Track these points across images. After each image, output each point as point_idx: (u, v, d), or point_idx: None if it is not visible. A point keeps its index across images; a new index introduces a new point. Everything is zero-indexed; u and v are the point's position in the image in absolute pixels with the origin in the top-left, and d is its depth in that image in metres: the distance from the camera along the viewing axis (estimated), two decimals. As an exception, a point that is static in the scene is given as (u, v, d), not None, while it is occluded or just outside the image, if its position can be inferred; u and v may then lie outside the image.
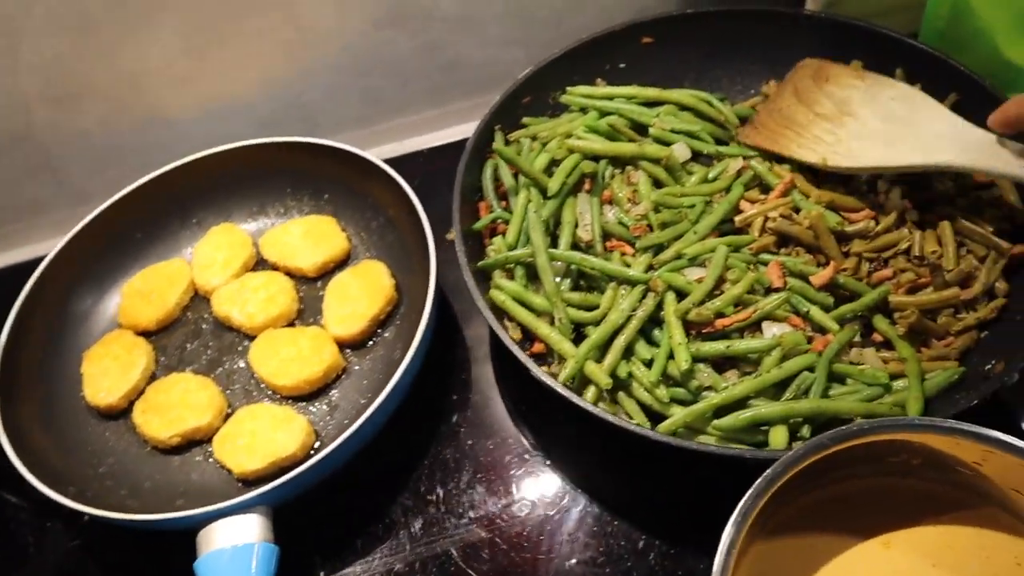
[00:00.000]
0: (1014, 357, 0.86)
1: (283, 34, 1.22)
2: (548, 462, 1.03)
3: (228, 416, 1.09)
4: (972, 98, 1.06)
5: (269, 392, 1.12)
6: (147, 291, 1.20)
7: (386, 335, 1.15)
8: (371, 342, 1.15)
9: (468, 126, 1.19)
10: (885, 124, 1.00)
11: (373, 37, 1.25)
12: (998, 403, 0.97)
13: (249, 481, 1.03)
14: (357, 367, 1.13)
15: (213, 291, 1.21)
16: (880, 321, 0.98)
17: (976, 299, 0.97)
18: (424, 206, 1.11)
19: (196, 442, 1.08)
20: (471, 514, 0.99)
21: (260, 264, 1.25)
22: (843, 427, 0.74)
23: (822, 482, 0.80)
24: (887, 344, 0.98)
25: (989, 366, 0.90)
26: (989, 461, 0.74)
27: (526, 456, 1.04)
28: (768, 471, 0.73)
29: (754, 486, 0.73)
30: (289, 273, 1.23)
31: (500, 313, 1.03)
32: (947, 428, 0.73)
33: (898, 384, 0.93)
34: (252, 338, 1.16)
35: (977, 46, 1.09)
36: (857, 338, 0.98)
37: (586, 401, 0.93)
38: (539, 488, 1.01)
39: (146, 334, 1.19)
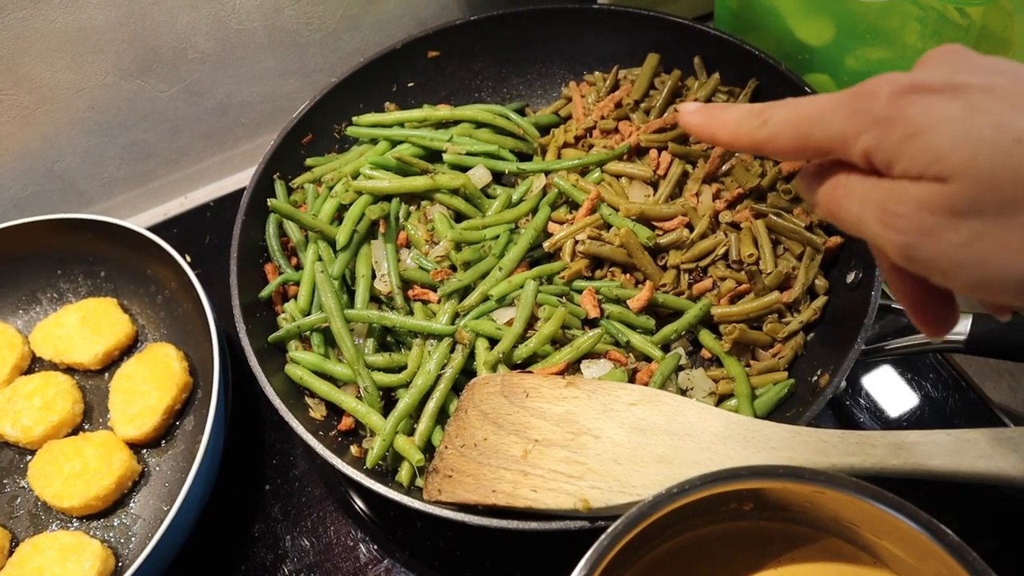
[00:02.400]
0: (837, 365, 0.81)
1: (13, 99, 1.05)
2: (375, 547, 0.93)
3: (13, 552, 0.94)
4: (770, 83, 1.01)
5: (60, 515, 0.98)
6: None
7: (185, 426, 1.02)
8: (169, 437, 1.02)
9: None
10: (644, 437, 0.74)
11: (123, 89, 1.10)
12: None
13: (43, 629, 0.89)
14: (157, 468, 1.00)
15: (-20, 404, 1.05)
16: (706, 336, 0.93)
17: (798, 300, 0.91)
18: (214, 269, 0.98)
19: (-23, 590, 0.94)
20: (296, 627, 0.89)
21: (35, 363, 1.10)
22: (660, 493, 0.67)
23: (656, 542, 0.73)
24: (717, 359, 0.92)
25: (815, 376, 0.85)
26: (822, 495, 0.69)
27: (350, 544, 0.93)
28: (589, 554, 0.66)
29: (578, 570, 0.65)
30: (70, 369, 1.08)
31: (301, 390, 0.93)
32: (770, 474, 0.68)
33: (730, 404, 0.88)
34: (34, 452, 1.01)
35: (770, 25, 1.04)
36: (685, 359, 0.92)
37: (398, 484, 0.85)
38: (370, 580, 0.91)
39: (-97, 466, 1.02)
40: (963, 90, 0.44)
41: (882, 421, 0.96)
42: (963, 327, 0.79)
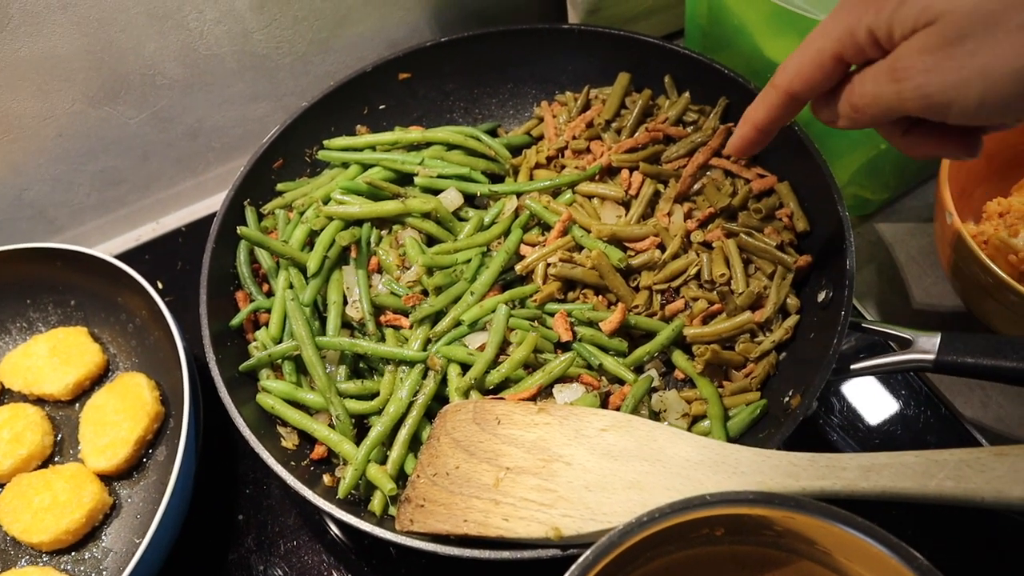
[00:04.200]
0: (809, 386, 0.81)
1: (-20, 129, 1.04)
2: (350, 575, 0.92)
3: (-19, 589, 0.93)
4: (740, 101, 1.02)
5: (30, 550, 0.97)
6: None
7: (157, 456, 1.01)
8: (141, 468, 1.01)
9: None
10: (615, 463, 0.73)
11: (91, 116, 1.09)
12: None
13: (12, 668, 0.88)
14: (129, 500, 0.99)
15: (-51, 439, 1.03)
16: (679, 357, 0.92)
17: (770, 320, 0.91)
18: (186, 296, 0.97)
19: (-56, 631, 0.92)
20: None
21: (4, 395, 1.08)
22: (630, 522, 0.66)
23: (629, 569, 0.72)
24: (691, 380, 0.92)
25: (787, 397, 0.84)
26: (793, 520, 0.69)
27: (325, 572, 0.92)
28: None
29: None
30: (40, 400, 1.07)
31: (273, 418, 0.92)
32: (740, 500, 0.67)
33: (703, 426, 0.87)
34: (3, 486, 1.00)
35: (739, 43, 1.04)
36: (658, 380, 0.92)
37: (371, 513, 0.84)
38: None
39: None
40: None
41: (856, 438, 0.96)
42: (931, 346, 0.79)
